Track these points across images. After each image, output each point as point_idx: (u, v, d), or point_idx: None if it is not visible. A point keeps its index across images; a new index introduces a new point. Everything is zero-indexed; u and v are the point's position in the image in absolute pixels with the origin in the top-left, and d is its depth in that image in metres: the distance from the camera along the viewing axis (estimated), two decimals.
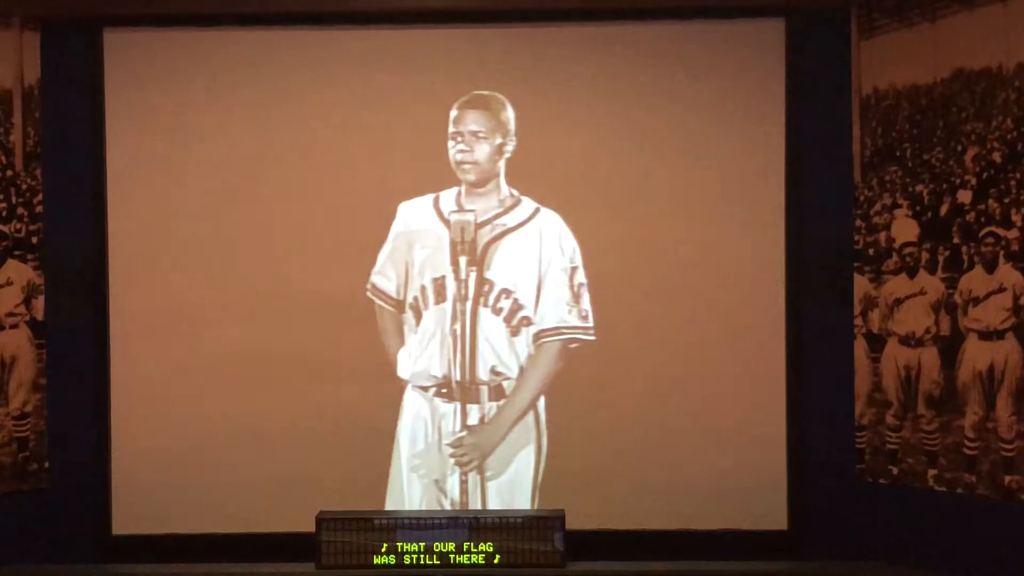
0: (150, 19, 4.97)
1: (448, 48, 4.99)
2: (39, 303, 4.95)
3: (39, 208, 4.96)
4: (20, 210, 4.92)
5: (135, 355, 5.00)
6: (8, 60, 4.86)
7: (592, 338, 4.91)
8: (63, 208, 4.98)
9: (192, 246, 5.00)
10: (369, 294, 4.96)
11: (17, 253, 4.91)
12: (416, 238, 4.94)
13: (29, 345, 4.93)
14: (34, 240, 4.95)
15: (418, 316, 4.92)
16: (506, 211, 4.92)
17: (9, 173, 4.90)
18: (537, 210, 4.94)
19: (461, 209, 4.91)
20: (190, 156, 4.99)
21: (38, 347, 4.95)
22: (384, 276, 4.95)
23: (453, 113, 4.91)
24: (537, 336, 4.91)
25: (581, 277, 4.92)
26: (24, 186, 4.93)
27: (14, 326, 4.89)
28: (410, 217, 4.96)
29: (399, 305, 4.95)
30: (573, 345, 4.91)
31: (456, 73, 4.96)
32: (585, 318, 4.91)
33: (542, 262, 4.91)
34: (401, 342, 4.95)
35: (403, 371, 4.95)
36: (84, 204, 4.99)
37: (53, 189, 4.97)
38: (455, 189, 4.94)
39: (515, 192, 4.93)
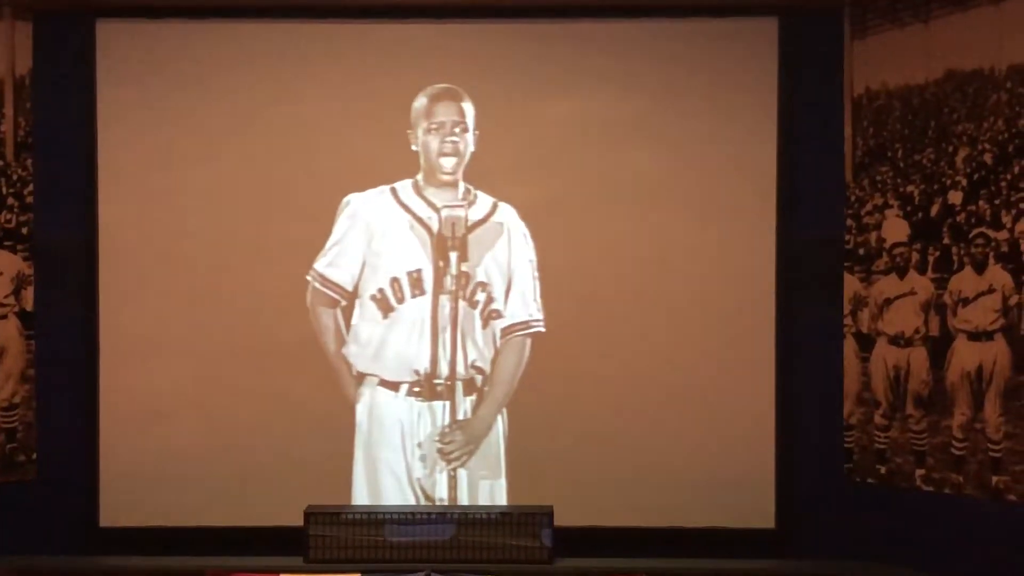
0: (142, 10, 4.96)
1: (403, 43, 4.97)
2: (28, 294, 4.94)
3: (29, 198, 4.95)
4: (10, 200, 4.91)
5: (124, 347, 4.99)
6: (0, 50, 4.85)
7: (543, 330, 4.91)
8: (53, 199, 4.97)
9: (182, 238, 4.99)
10: (318, 285, 4.92)
11: (7, 243, 4.90)
12: (377, 230, 4.91)
13: (18, 336, 4.92)
14: (24, 231, 4.94)
15: (386, 309, 4.90)
16: (469, 205, 4.92)
17: (0, 163, 4.88)
18: (496, 205, 4.94)
19: (428, 202, 4.90)
20: (181, 147, 4.98)
21: (27, 338, 4.94)
22: (337, 268, 4.91)
23: (422, 103, 4.88)
24: (508, 330, 4.91)
25: (536, 271, 4.93)
26: (15, 176, 4.92)
27: (3, 317, 4.88)
28: (368, 209, 4.93)
29: (350, 296, 4.91)
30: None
31: (410, 67, 4.95)
32: (539, 311, 4.93)
33: (512, 255, 4.92)
34: (342, 339, 4.92)
35: (366, 365, 4.90)
36: (75, 195, 4.98)
37: (44, 179, 4.96)
38: (408, 181, 4.93)
39: (470, 187, 4.93)
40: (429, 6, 4.95)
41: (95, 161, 4.98)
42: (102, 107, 4.97)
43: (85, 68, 4.97)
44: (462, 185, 4.92)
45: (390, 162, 4.92)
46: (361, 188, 4.94)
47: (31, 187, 4.95)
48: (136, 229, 4.98)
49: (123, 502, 4.97)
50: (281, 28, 4.98)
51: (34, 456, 4.95)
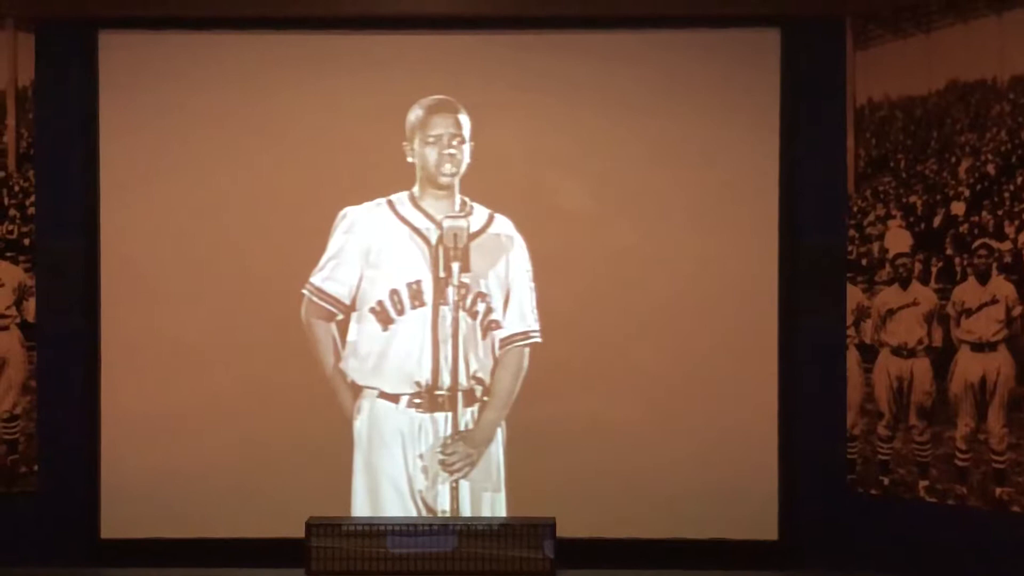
0: (144, 22, 4.97)
1: (397, 54, 4.98)
2: (30, 305, 4.94)
3: (31, 210, 4.95)
4: (12, 211, 4.91)
5: (125, 358, 4.98)
6: (2, 61, 4.86)
7: (540, 340, 4.91)
8: (55, 210, 4.97)
9: (184, 248, 4.99)
10: (315, 299, 4.90)
11: (9, 254, 4.90)
12: (374, 242, 4.90)
13: (20, 347, 4.92)
14: (26, 242, 4.94)
15: (385, 321, 4.88)
16: (466, 216, 4.91)
17: (2, 174, 4.89)
18: (492, 216, 4.94)
19: (426, 214, 4.89)
20: (182, 158, 4.98)
21: (29, 349, 4.93)
22: (334, 281, 4.89)
23: (418, 115, 4.87)
24: (507, 341, 4.91)
25: (532, 281, 4.92)
26: (16, 187, 4.92)
27: (5, 328, 4.88)
28: (365, 222, 4.92)
29: (346, 310, 4.90)
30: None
31: (404, 79, 4.95)
32: (536, 321, 4.92)
33: (510, 266, 4.91)
34: (337, 351, 4.91)
35: (366, 378, 4.88)
36: (76, 206, 4.98)
37: (46, 191, 4.96)
38: (404, 193, 4.92)
39: (466, 199, 4.92)
40: (423, 17, 4.95)
41: (97, 172, 4.98)
42: (104, 118, 4.98)
43: (87, 79, 4.97)
44: (458, 196, 4.92)
45: (385, 175, 4.92)
46: (357, 201, 4.93)
47: (33, 198, 4.95)
48: (137, 240, 4.99)
49: (124, 513, 4.96)
50: (281, 40, 4.98)
51: (35, 468, 4.94)
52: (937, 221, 4.68)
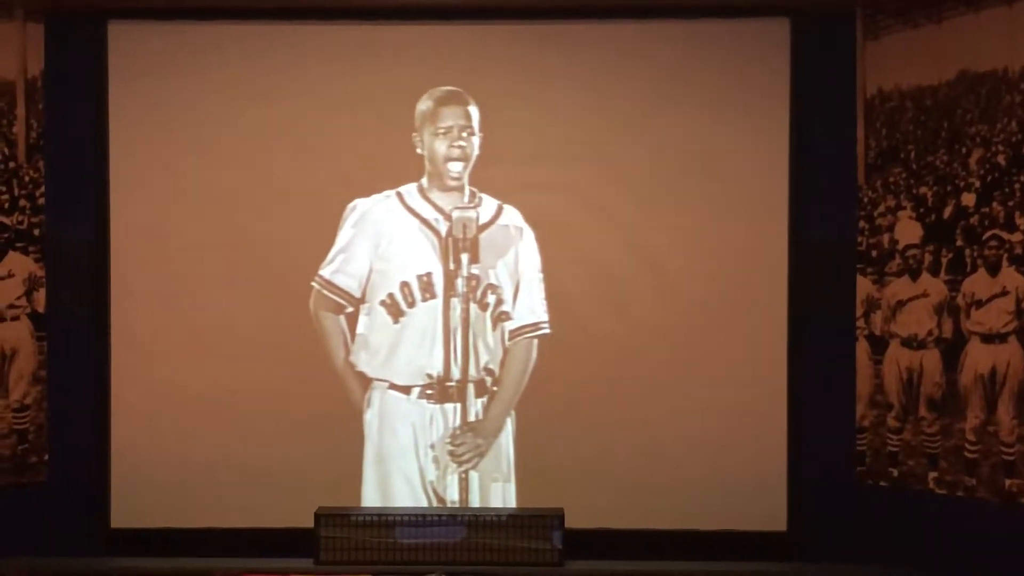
0: (154, 12, 4.97)
1: (407, 45, 4.97)
2: (40, 295, 4.95)
3: (41, 200, 4.96)
4: (22, 202, 4.92)
5: (135, 348, 4.99)
6: (12, 51, 4.86)
7: (549, 332, 4.91)
8: (65, 200, 4.97)
9: (194, 240, 4.99)
10: (326, 292, 4.90)
11: (19, 245, 4.91)
12: (384, 235, 4.90)
13: (30, 337, 4.92)
14: (36, 232, 4.95)
15: (396, 314, 4.88)
16: (475, 207, 4.90)
17: (12, 165, 4.89)
18: (501, 207, 4.93)
19: (435, 206, 4.89)
20: (192, 149, 4.99)
21: (39, 339, 4.94)
22: (345, 274, 4.89)
23: (428, 107, 4.87)
24: (516, 332, 4.91)
25: (541, 272, 4.92)
26: (26, 178, 4.93)
27: (15, 318, 4.89)
28: (374, 214, 4.92)
29: (356, 303, 4.90)
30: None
31: (413, 69, 4.94)
32: (545, 312, 4.93)
33: (519, 257, 4.91)
34: (346, 344, 4.91)
35: (377, 371, 4.89)
36: (86, 196, 4.99)
37: (55, 181, 4.97)
38: (413, 185, 4.92)
39: (475, 190, 4.92)
40: (433, 8, 4.95)
41: (106, 163, 4.99)
42: (113, 109, 4.98)
43: (97, 70, 4.97)
44: (467, 188, 4.91)
45: (395, 166, 4.92)
46: (366, 193, 4.93)
47: (43, 189, 4.96)
48: (147, 231, 4.99)
49: (134, 503, 4.98)
50: (291, 30, 4.97)
51: (46, 457, 4.96)
52: (947, 212, 4.67)
